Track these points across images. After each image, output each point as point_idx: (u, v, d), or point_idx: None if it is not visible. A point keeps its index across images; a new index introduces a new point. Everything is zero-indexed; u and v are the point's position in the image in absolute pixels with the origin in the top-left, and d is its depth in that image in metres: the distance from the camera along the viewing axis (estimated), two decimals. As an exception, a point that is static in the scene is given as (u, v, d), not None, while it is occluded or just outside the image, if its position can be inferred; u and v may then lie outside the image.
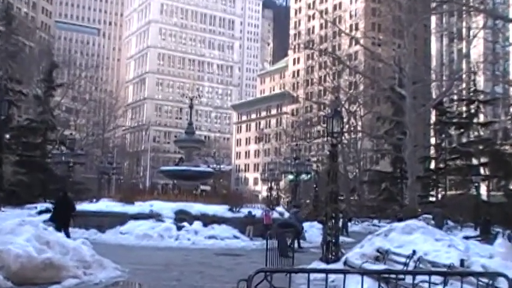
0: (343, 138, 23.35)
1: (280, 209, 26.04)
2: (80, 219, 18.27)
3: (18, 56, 42.31)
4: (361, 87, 52.75)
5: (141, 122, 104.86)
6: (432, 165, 42.35)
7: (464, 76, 41.27)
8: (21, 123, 39.47)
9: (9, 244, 8.65)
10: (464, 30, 48.61)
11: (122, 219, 20.01)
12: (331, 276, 4.56)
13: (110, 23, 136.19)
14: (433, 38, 62.55)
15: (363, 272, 4.95)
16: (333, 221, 12.14)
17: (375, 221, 37.85)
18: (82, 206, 21.28)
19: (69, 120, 58.91)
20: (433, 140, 44.61)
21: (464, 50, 48.24)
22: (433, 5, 34.01)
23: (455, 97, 44.21)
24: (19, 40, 45.07)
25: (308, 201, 43.31)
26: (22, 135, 37.50)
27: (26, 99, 41.42)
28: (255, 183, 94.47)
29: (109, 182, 39.25)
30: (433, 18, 54.39)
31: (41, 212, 20.72)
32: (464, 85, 42.98)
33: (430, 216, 28.07)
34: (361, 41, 42.59)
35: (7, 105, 22.48)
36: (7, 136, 30.06)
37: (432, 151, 43.19)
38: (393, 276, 6.01)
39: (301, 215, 22.53)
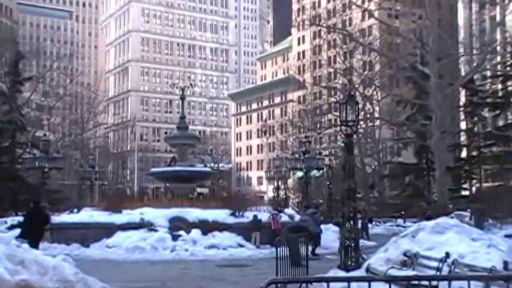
0: (358, 127, 23.31)
1: (289, 211, 26.16)
2: (60, 233, 18.35)
3: (-25, 45, 42.18)
4: (377, 67, 52.68)
5: (126, 118, 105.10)
6: (464, 154, 42.28)
7: (498, 48, 41.04)
8: (-17, 124, 39.41)
9: (-23, 265, 8.63)
10: (497, -7, 48.34)
11: (108, 230, 20.16)
12: (353, 285, 4.55)
13: (84, 4, 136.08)
14: (460, 5, 62.27)
15: (390, 280, 4.93)
16: (351, 222, 12.16)
17: (399, 221, 38.03)
18: (61, 218, 21.40)
19: (42, 119, 58.94)
20: (463, 125, 44.48)
21: (498, 17, 47.88)
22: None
23: (488, 73, 44.02)
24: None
25: (321, 200, 43.47)
26: (-15, 139, 37.53)
27: (-13, 97, 41.33)
28: (260, 182, 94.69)
29: (91, 189, 39.40)
30: (459, -18, 54.17)
31: (12, 227, 20.76)
32: (499, 59, 42.75)
33: (464, 213, 28.12)
34: (376, 14, 42.35)
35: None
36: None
37: (463, 137, 43.06)
38: (425, 283, 5.99)
39: (319, 217, 22.62)
